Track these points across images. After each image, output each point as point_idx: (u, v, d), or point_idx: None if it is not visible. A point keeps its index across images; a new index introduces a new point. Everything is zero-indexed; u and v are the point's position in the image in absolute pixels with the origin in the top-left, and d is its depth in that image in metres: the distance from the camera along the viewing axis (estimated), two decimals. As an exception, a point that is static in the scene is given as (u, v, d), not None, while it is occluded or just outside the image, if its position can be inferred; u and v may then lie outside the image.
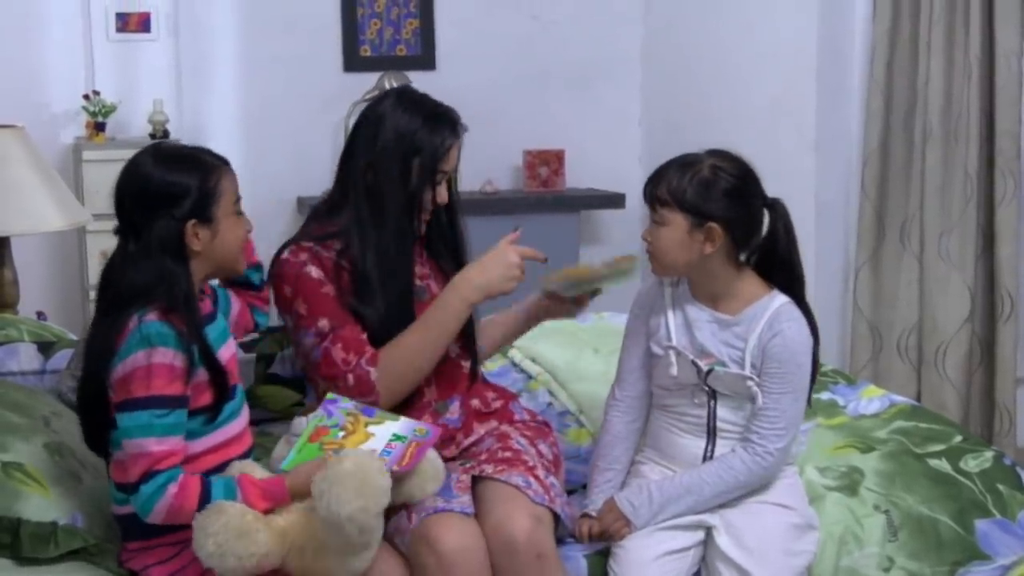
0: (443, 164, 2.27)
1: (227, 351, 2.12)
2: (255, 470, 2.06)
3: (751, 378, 2.15)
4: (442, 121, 2.27)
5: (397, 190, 2.26)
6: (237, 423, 2.12)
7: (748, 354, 2.15)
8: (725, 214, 2.13)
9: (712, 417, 2.20)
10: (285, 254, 2.26)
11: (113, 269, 2.05)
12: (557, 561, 2.09)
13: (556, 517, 2.15)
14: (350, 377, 2.21)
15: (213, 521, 1.90)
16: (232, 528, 1.90)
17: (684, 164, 2.15)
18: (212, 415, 2.05)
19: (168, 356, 1.96)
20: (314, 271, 2.24)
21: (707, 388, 2.19)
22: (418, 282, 2.31)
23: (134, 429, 1.96)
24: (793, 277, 2.21)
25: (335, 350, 2.22)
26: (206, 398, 2.04)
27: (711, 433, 2.21)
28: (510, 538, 2.04)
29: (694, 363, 2.18)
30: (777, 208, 2.19)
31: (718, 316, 2.19)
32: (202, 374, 2.02)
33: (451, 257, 2.38)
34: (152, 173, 2.04)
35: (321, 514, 1.92)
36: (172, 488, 1.94)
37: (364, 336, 2.23)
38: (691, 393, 2.21)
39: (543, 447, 2.31)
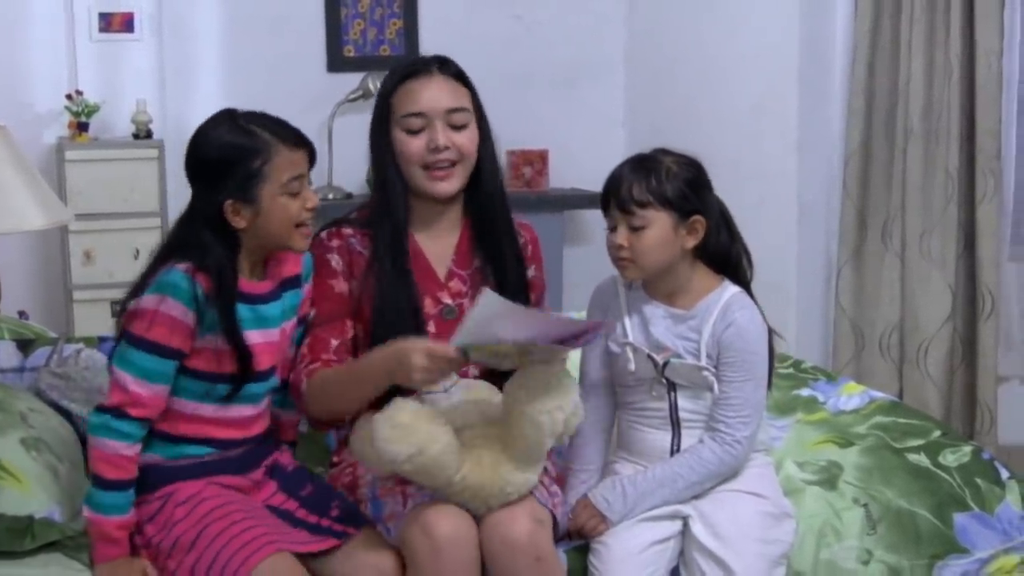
0: (406, 106, 2.21)
1: (262, 336, 2.10)
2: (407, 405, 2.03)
3: (707, 368, 2.18)
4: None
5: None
6: (249, 408, 2.13)
7: (703, 345, 2.17)
8: (703, 206, 2.17)
9: (674, 409, 2.22)
10: (323, 234, 2.26)
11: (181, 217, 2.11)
12: (557, 564, 2.08)
13: (556, 524, 2.13)
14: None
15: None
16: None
17: (643, 164, 2.17)
18: (233, 388, 2.07)
19: (177, 309, 2.00)
20: (335, 260, 2.23)
21: (665, 381, 2.21)
22: (449, 301, 2.27)
23: (121, 361, 2.03)
24: (738, 267, 2.24)
25: (306, 342, 2.23)
26: (228, 366, 2.06)
27: (675, 425, 2.22)
28: (510, 538, 2.02)
29: (650, 357, 2.20)
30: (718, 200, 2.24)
31: (672, 311, 2.21)
32: (221, 342, 2.04)
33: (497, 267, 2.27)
34: (208, 141, 2.06)
35: (523, 411, 1.99)
36: (125, 449, 2.01)
37: (334, 343, 2.21)
38: (650, 387, 2.22)
39: (547, 464, 2.28)
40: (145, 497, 2.07)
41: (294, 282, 2.18)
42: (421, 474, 2.00)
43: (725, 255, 2.23)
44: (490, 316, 1.90)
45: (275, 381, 2.17)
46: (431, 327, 2.24)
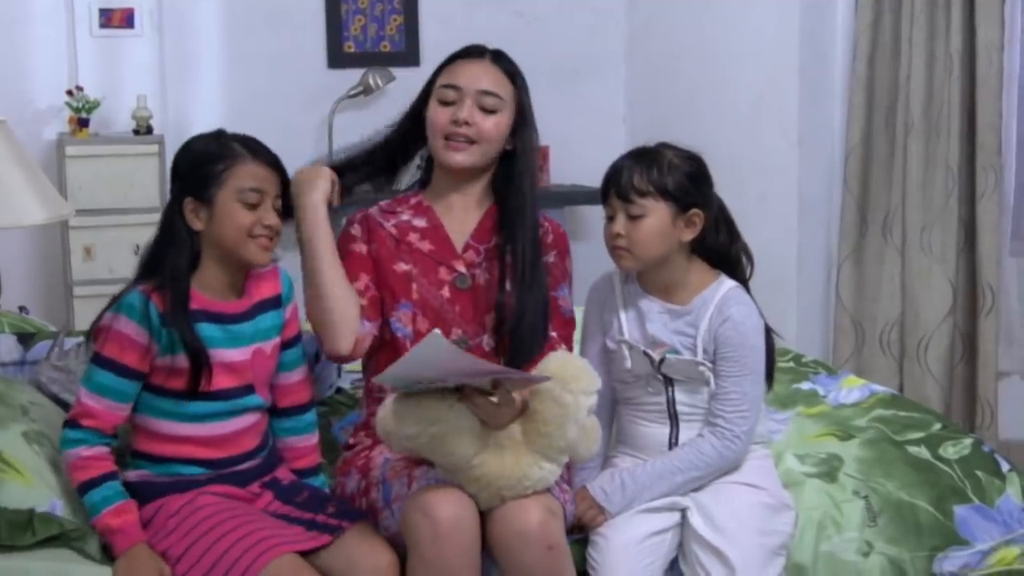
0: (445, 78, 2.28)
1: (230, 355, 2.12)
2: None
3: (703, 363, 2.18)
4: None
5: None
6: (222, 425, 2.13)
7: (699, 340, 2.18)
8: (703, 199, 2.18)
9: (671, 403, 2.23)
10: (353, 214, 2.36)
11: None
12: (567, 554, 2.08)
13: (566, 516, 2.13)
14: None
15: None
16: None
17: (645, 155, 2.19)
18: (185, 401, 2.08)
19: (129, 327, 2.06)
20: (355, 228, 2.31)
21: (661, 376, 2.21)
22: (462, 269, 2.28)
23: (84, 376, 2.11)
24: (737, 265, 2.25)
25: None
26: (179, 383, 2.08)
27: (673, 419, 2.23)
28: (522, 528, 2.01)
29: (646, 354, 2.20)
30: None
31: (669, 307, 2.22)
32: (181, 360, 2.07)
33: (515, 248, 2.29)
34: (186, 148, 2.15)
35: (549, 389, 2.02)
36: (84, 451, 2.06)
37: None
38: (646, 383, 2.24)
39: None
40: (145, 507, 2.09)
41: (272, 303, 2.20)
42: (436, 450, 2.00)
43: (724, 254, 2.24)
44: (430, 356, 1.92)
45: (257, 400, 2.17)
46: (445, 292, 2.28)
